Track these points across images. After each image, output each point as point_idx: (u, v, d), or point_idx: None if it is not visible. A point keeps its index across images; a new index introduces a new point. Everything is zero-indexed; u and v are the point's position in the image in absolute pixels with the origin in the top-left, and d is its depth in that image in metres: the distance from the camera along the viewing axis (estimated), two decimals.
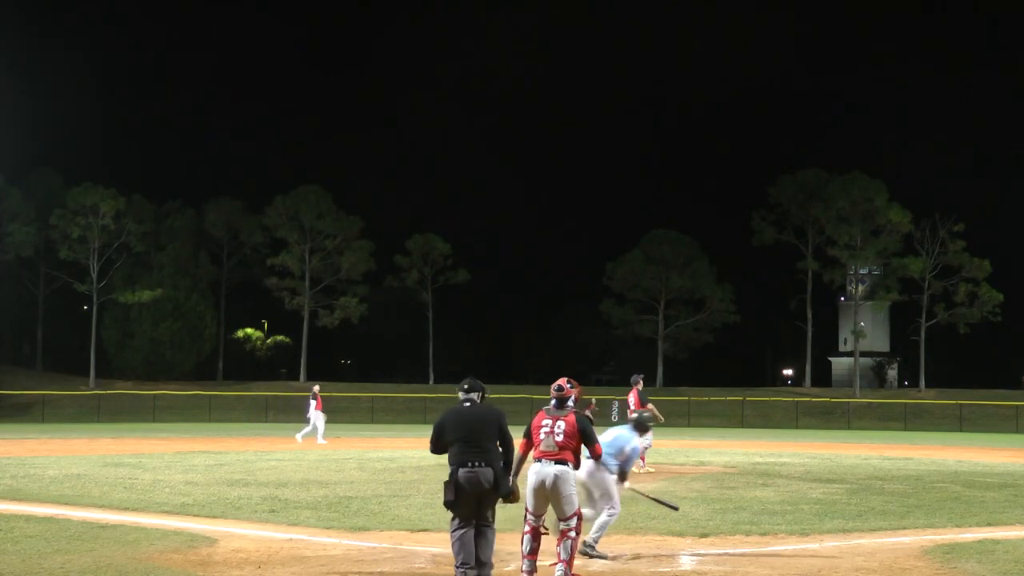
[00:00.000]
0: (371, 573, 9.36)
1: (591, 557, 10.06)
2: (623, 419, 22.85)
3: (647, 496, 11.75)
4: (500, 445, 8.56)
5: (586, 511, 10.37)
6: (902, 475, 19.74)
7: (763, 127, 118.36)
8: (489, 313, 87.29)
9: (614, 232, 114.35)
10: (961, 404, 56.61)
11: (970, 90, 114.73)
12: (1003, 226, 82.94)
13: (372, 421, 52.51)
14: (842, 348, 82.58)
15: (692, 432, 40.69)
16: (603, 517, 10.38)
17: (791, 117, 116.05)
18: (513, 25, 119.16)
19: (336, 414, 31.82)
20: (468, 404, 8.61)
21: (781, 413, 58.00)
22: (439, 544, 10.48)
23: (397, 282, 71.14)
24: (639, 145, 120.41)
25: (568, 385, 9.11)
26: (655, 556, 10.30)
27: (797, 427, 52.99)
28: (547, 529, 8.90)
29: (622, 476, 10.61)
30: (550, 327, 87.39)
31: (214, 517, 12.84)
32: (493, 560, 8.68)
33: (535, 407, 8.90)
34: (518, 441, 8.85)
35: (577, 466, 8.92)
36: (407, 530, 11.83)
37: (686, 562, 10.04)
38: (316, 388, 31.63)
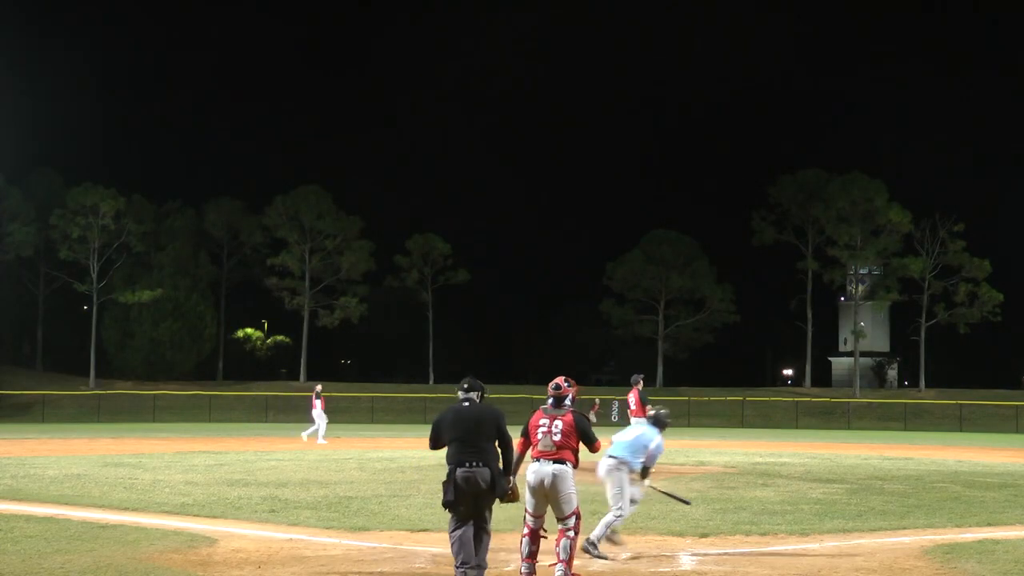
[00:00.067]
0: (371, 573, 9.36)
1: (592, 556, 10.06)
2: (623, 419, 22.84)
3: (661, 491, 11.77)
4: (499, 445, 8.56)
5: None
6: (902, 475, 19.74)
7: (763, 127, 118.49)
8: (489, 313, 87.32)
9: (614, 232, 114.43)
10: (961, 404, 56.62)
11: (970, 90, 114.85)
12: (1003, 226, 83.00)
13: (372, 421, 52.53)
14: (842, 348, 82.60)
15: (692, 432, 40.69)
16: (609, 516, 10.40)
17: (791, 117, 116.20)
18: (513, 25, 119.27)
19: (336, 414, 31.84)
20: (467, 403, 8.61)
21: (781, 413, 58.01)
22: (439, 544, 10.48)
23: (397, 282, 71.15)
24: (639, 145, 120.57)
25: (566, 384, 9.10)
26: (655, 556, 10.30)
27: (797, 427, 53.00)
28: (546, 532, 8.89)
29: (644, 473, 10.65)
30: (550, 327, 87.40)
31: (214, 517, 12.84)
32: (493, 560, 8.68)
33: (535, 407, 8.88)
34: (516, 441, 8.84)
35: (576, 465, 8.91)
36: (407, 530, 11.82)
37: (686, 562, 10.03)
38: (318, 388, 31.64)
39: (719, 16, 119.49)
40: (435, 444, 8.72)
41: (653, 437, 10.74)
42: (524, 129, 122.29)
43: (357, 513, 13.24)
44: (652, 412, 11.20)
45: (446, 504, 8.47)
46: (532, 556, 8.79)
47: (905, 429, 53.22)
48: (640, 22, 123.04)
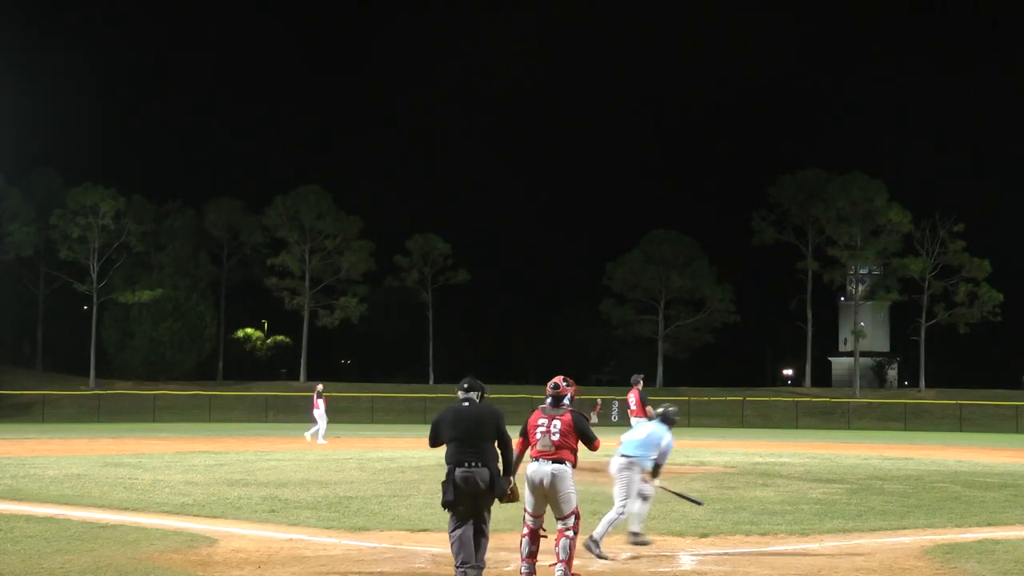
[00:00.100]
0: (371, 573, 9.36)
1: (594, 555, 10.06)
2: (623, 419, 22.84)
3: (672, 492, 11.80)
4: (498, 446, 8.56)
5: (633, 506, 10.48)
6: (902, 475, 19.74)
7: (763, 127, 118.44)
8: (489, 313, 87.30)
9: (614, 232, 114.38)
10: (961, 404, 56.61)
11: (970, 90, 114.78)
12: (1003, 226, 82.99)
13: (372, 421, 52.52)
14: (842, 348, 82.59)
15: (692, 432, 40.67)
16: (612, 514, 10.42)
17: (791, 117, 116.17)
18: (513, 25, 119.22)
19: (336, 414, 31.85)
20: (467, 403, 8.61)
21: (781, 413, 58.01)
22: (439, 544, 10.48)
23: (397, 282, 71.14)
24: (639, 145, 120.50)
25: (564, 383, 9.11)
26: (655, 556, 10.31)
27: (797, 427, 52.99)
28: (546, 531, 8.89)
29: (656, 471, 10.65)
30: (550, 327, 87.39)
31: (214, 517, 12.85)
32: (494, 559, 8.68)
33: (535, 407, 8.92)
34: (515, 440, 8.85)
35: (575, 465, 8.92)
36: (407, 530, 11.83)
37: (686, 562, 10.04)
38: (320, 387, 31.61)
39: (719, 16, 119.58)
40: (434, 443, 8.75)
41: (664, 435, 10.78)
42: (524, 129, 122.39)
43: (357, 513, 13.25)
44: (660, 410, 11.24)
45: (445, 504, 8.47)
46: (532, 556, 8.80)
47: (905, 429, 53.22)
48: (640, 22, 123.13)
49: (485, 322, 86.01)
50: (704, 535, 11.56)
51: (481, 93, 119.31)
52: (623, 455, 10.65)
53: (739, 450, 28.37)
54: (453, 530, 8.47)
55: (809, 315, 69.48)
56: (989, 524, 12.68)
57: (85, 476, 17.88)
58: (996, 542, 11.08)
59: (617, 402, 47.99)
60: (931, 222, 66.02)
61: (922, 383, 67.75)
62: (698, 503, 11.98)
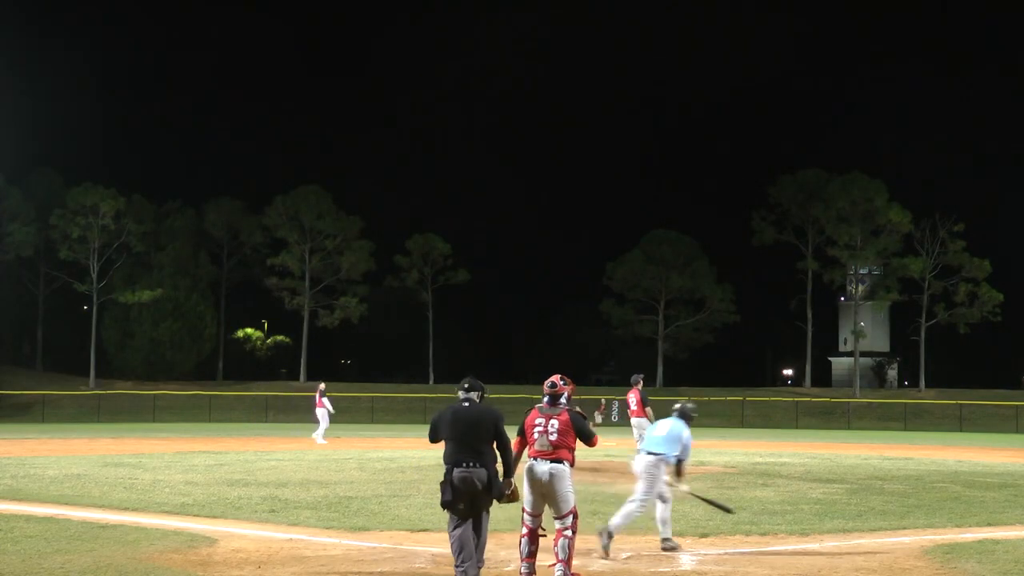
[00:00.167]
0: (371, 573, 9.36)
1: (602, 543, 10.14)
2: (624, 419, 22.85)
3: (702, 498, 11.80)
4: (497, 447, 8.57)
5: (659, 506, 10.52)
6: (902, 475, 19.74)
7: (763, 127, 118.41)
8: (489, 313, 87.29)
9: (614, 232, 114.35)
10: (961, 404, 56.61)
11: (970, 90, 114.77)
12: (1003, 226, 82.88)
13: (372, 421, 52.52)
14: (842, 348, 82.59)
15: (692, 432, 40.67)
16: (632, 507, 10.48)
17: (791, 117, 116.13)
18: (513, 25, 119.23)
19: (336, 414, 31.80)
20: (467, 404, 8.62)
21: (781, 413, 58.01)
22: (439, 544, 10.48)
23: (397, 282, 71.14)
24: (639, 145, 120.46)
25: (561, 382, 9.12)
26: (655, 556, 10.31)
27: (797, 427, 53.00)
28: (545, 531, 8.90)
29: (679, 470, 10.74)
30: (550, 327, 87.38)
31: (214, 517, 12.85)
32: (494, 559, 8.68)
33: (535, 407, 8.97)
34: (513, 440, 8.85)
35: (573, 463, 8.93)
36: (407, 530, 11.83)
37: (686, 562, 10.04)
38: (322, 386, 31.57)
39: (719, 16, 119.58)
40: (433, 439, 8.78)
41: (683, 428, 10.82)
42: (524, 129, 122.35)
43: (357, 513, 13.25)
44: (678, 406, 11.25)
45: (444, 504, 8.50)
46: (532, 556, 8.81)
47: (905, 429, 53.22)
48: (640, 22, 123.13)
49: (485, 322, 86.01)
50: (704, 535, 11.56)
51: (481, 93, 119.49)
52: (649, 452, 10.68)
53: (739, 450, 28.37)
54: (453, 529, 8.49)
55: (809, 315, 69.48)
56: (989, 524, 12.68)
57: (85, 476, 17.88)
58: (996, 542, 11.07)
59: (617, 402, 48.04)
60: (931, 222, 66.07)
61: (922, 383, 67.76)
62: (729, 511, 11.87)
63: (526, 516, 8.89)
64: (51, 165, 70.56)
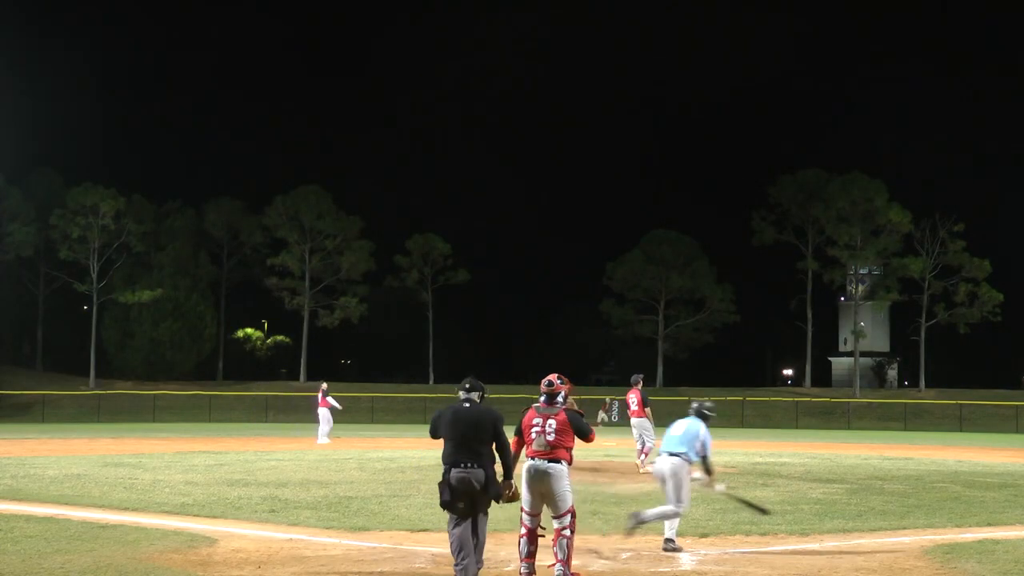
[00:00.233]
0: (371, 573, 9.36)
1: (629, 525, 10.33)
2: (624, 419, 22.86)
3: (737, 498, 11.80)
4: (496, 449, 8.58)
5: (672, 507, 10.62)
6: (902, 475, 19.74)
7: (763, 127, 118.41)
8: (489, 313, 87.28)
9: (614, 232, 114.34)
10: (961, 404, 56.61)
11: (970, 90, 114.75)
12: (1003, 226, 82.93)
13: (372, 421, 52.51)
14: (842, 348, 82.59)
15: None
16: (669, 509, 10.55)
17: (791, 117, 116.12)
18: (513, 25, 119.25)
19: (336, 414, 31.78)
20: (467, 404, 8.62)
21: (781, 413, 58.01)
22: (439, 544, 10.48)
23: (397, 282, 71.14)
24: (639, 145, 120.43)
25: (558, 381, 9.13)
26: (655, 556, 10.31)
27: (797, 427, 52.99)
28: (544, 530, 8.91)
29: (708, 468, 10.78)
30: (550, 327, 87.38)
31: (214, 517, 12.85)
32: (494, 559, 8.68)
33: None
34: (511, 440, 8.86)
35: (571, 462, 8.94)
36: (407, 530, 11.83)
37: (686, 562, 10.04)
38: (325, 386, 31.55)
39: (719, 16, 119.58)
40: (434, 436, 8.81)
41: (699, 427, 10.84)
42: (524, 129, 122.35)
43: (357, 513, 13.25)
44: (695, 404, 11.26)
45: (443, 504, 8.53)
46: (531, 556, 8.82)
47: (905, 429, 53.21)
48: (640, 22, 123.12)
49: (485, 322, 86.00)
50: (704, 535, 11.56)
51: (481, 93, 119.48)
52: (669, 453, 10.70)
53: (739, 450, 28.35)
54: (452, 528, 8.51)
55: (809, 315, 69.48)
56: (989, 524, 12.68)
57: (85, 476, 17.88)
58: (996, 542, 11.07)
59: (617, 402, 48.03)
60: (931, 222, 66.06)
61: (922, 383, 67.76)
62: (765, 512, 11.84)
63: (525, 516, 8.90)
64: (51, 165, 70.67)
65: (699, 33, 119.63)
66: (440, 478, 8.58)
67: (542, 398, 9.11)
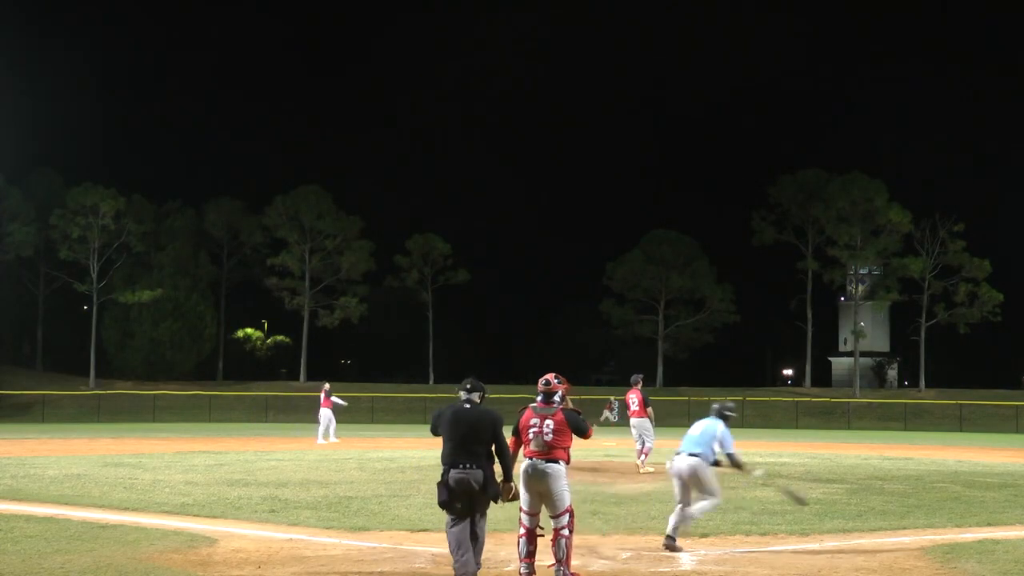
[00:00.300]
0: (371, 573, 9.36)
1: (671, 550, 10.42)
2: (624, 419, 22.85)
3: (778, 487, 11.85)
4: (495, 451, 8.59)
5: (700, 506, 10.71)
6: (902, 475, 19.74)
7: (763, 127, 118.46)
8: (489, 313, 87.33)
9: (614, 232, 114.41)
10: (961, 404, 56.60)
11: (970, 90, 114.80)
12: (1003, 226, 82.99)
13: (372, 421, 52.52)
14: (842, 348, 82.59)
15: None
16: (708, 504, 10.72)
17: (791, 117, 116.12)
18: (513, 25, 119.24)
19: (336, 414, 31.77)
20: (468, 405, 8.63)
21: (781, 413, 58.00)
22: (439, 544, 10.48)
23: (397, 282, 71.13)
24: (639, 145, 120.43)
25: (556, 380, 9.13)
26: (655, 556, 10.31)
27: (797, 427, 52.99)
28: (543, 530, 8.92)
29: (736, 463, 10.88)
30: (550, 327, 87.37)
31: (214, 517, 12.85)
32: (493, 559, 8.69)
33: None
34: (508, 440, 8.87)
35: (568, 462, 8.95)
36: (407, 530, 11.83)
37: (686, 562, 10.04)
38: (327, 386, 31.54)
39: (719, 16, 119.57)
40: (434, 433, 8.83)
41: (717, 426, 10.99)
42: (524, 129, 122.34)
43: (357, 513, 13.24)
44: (717, 405, 11.36)
45: (441, 504, 8.57)
46: (531, 556, 8.83)
47: (905, 429, 53.21)
48: (640, 22, 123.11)
49: (485, 322, 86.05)
50: (704, 535, 11.56)
51: (481, 93, 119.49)
52: (689, 454, 10.76)
53: (739, 450, 28.32)
54: (451, 527, 8.51)
55: (809, 315, 69.46)
56: (989, 524, 12.68)
57: (85, 476, 17.88)
58: (996, 542, 11.07)
59: (617, 402, 48.03)
60: (931, 222, 66.03)
61: (922, 383, 67.75)
62: (803, 503, 11.96)
63: (523, 516, 8.91)
64: (51, 165, 70.64)
65: (699, 33, 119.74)
66: (439, 478, 8.59)
67: (539, 397, 9.11)
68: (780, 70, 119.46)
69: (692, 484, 10.76)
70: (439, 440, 8.76)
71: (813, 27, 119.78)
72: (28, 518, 12.38)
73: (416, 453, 24.34)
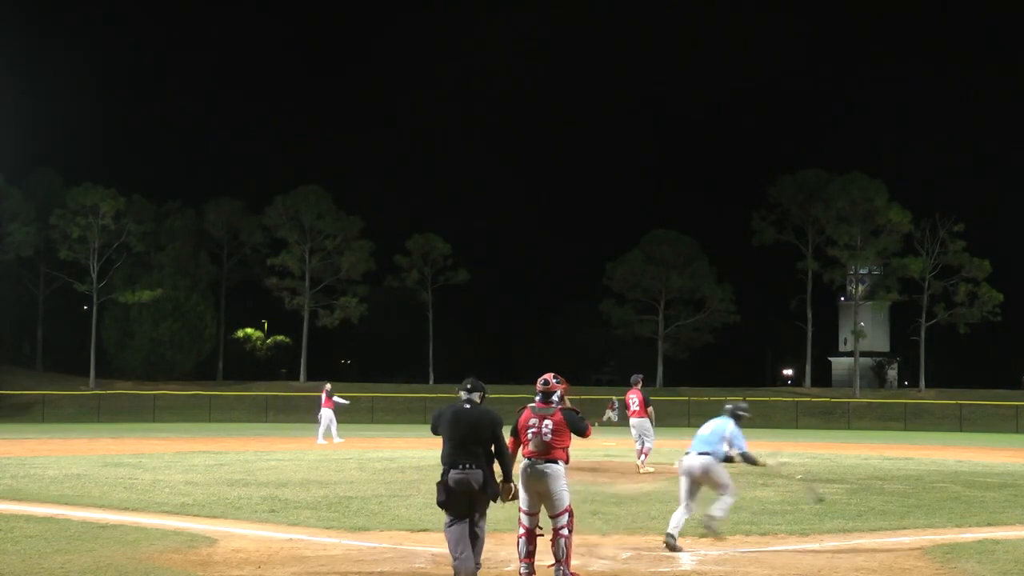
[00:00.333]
0: (371, 573, 9.36)
1: (712, 528, 10.70)
2: (623, 419, 22.87)
3: (803, 481, 11.96)
4: (494, 452, 8.59)
5: (720, 505, 10.82)
6: (902, 475, 19.73)
7: (763, 127, 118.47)
8: (489, 313, 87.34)
9: (614, 232, 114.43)
10: (961, 404, 56.60)
11: (970, 90, 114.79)
12: (1003, 226, 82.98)
13: (372, 421, 52.52)
14: (842, 348, 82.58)
15: (692, 432, 40.71)
16: (728, 499, 10.83)
17: (791, 117, 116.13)
18: (513, 25, 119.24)
19: (337, 413, 31.77)
20: (468, 405, 8.64)
21: (781, 413, 57.98)
22: (439, 544, 10.47)
23: (397, 282, 71.14)
24: (639, 145, 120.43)
25: (554, 380, 9.13)
26: (655, 556, 10.30)
27: (797, 427, 52.97)
28: (542, 529, 8.92)
29: (751, 460, 10.93)
30: (550, 327, 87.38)
31: (214, 517, 12.84)
32: (493, 559, 8.68)
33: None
34: (507, 440, 8.88)
35: (567, 462, 8.95)
36: (407, 530, 11.83)
37: (686, 562, 10.03)
38: (328, 386, 31.54)
39: (719, 16, 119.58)
40: (435, 432, 8.84)
41: (727, 425, 11.01)
42: (524, 129, 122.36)
43: (357, 513, 13.24)
44: (730, 406, 11.40)
45: (440, 504, 8.58)
46: (530, 556, 8.83)
47: (905, 429, 53.20)
48: (640, 22, 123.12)
49: (485, 322, 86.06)
50: (704, 535, 11.55)
51: (481, 93, 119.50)
52: (700, 453, 10.88)
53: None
54: (450, 525, 8.52)
55: (809, 315, 69.47)
56: (989, 524, 12.68)
57: (85, 476, 17.88)
58: (996, 542, 11.07)
59: (619, 402, 48.05)
60: (931, 222, 66.05)
61: (922, 383, 67.75)
62: (821, 500, 12.05)
63: (523, 516, 8.91)
64: (51, 165, 70.68)
65: (699, 33, 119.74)
66: (439, 478, 8.60)
67: (538, 397, 9.11)
68: (780, 70, 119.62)
69: (704, 482, 10.85)
70: (439, 440, 8.76)
71: (813, 27, 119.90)
72: (28, 518, 12.38)
73: (416, 453, 24.34)
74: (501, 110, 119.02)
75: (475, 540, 8.52)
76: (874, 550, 10.71)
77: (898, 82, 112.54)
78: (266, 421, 52.11)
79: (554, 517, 8.82)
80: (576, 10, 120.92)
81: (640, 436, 19.89)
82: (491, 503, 8.62)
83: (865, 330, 72.94)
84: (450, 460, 8.50)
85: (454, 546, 8.46)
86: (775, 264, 72.29)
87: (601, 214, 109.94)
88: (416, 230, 71.71)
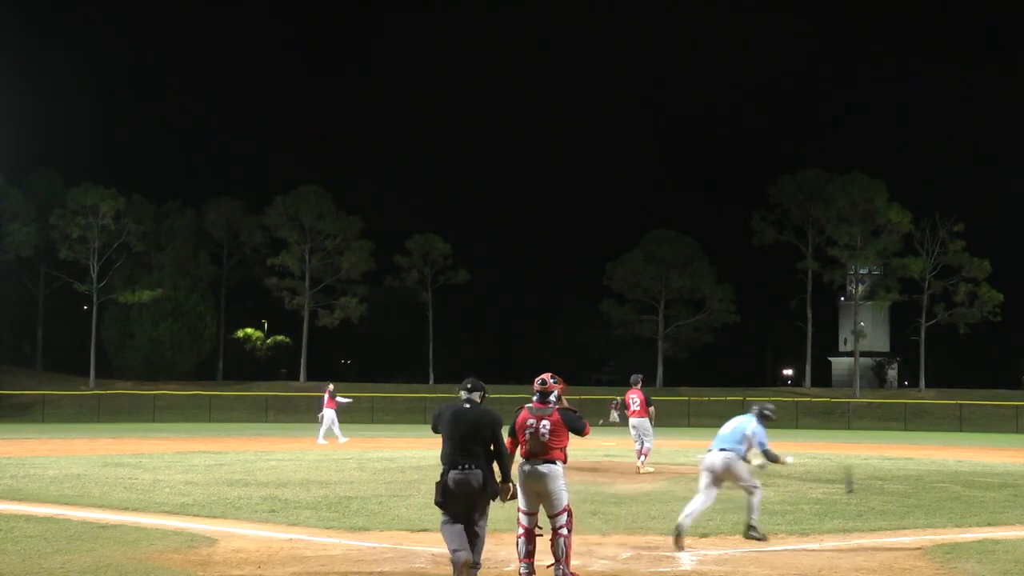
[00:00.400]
0: (371, 573, 9.36)
1: (755, 537, 10.76)
2: (623, 420, 22.86)
3: (844, 467, 12.06)
4: (494, 452, 8.58)
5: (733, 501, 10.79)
6: (902, 475, 19.73)
7: (763, 127, 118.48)
8: (489, 313, 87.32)
9: (614, 232, 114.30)
10: (961, 404, 56.60)
11: (970, 90, 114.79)
12: (1003, 226, 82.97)
13: (372, 421, 52.52)
14: (842, 348, 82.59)
15: (692, 432, 40.68)
16: (753, 499, 10.94)
17: (791, 117, 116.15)
18: (513, 25, 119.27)
19: (339, 413, 31.76)
20: (468, 405, 8.63)
21: (781, 413, 57.50)
22: (439, 544, 10.46)
23: (397, 282, 71.16)
24: (639, 145, 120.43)
25: (552, 380, 9.12)
26: (655, 556, 10.30)
27: (797, 427, 52.94)
28: (541, 529, 8.92)
29: (772, 457, 11.20)
30: (550, 327, 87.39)
31: (214, 517, 12.84)
32: (493, 560, 8.68)
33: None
34: (505, 440, 8.88)
35: (566, 461, 8.95)
36: (407, 530, 11.83)
37: (686, 562, 10.03)
38: (331, 387, 31.53)
39: (719, 16, 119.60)
40: (435, 431, 8.84)
41: (748, 423, 11.17)
42: (524, 129, 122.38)
43: (357, 513, 13.24)
44: (756, 407, 11.50)
45: (438, 504, 8.57)
46: (530, 555, 8.83)
47: (905, 429, 53.21)
48: (640, 22, 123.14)
49: (485, 322, 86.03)
50: (704, 535, 11.56)
51: (481, 93, 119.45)
52: (721, 449, 11.01)
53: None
54: (445, 523, 8.53)
55: (809, 315, 69.49)
56: (989, 524, 12.68)
57: (85, 476, 17.88)
58: (996, 542, 11.07)
59: (619, 402, 48.06)
60: (931, 222, 66.09)
61: (922, 383, 67.76)
62: (851, 491, 12.60)
63: (522, 516, 8.91)
64: (51, 165, 70.70)
65: (699, 33, 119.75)
66: (439, 478, 8.59)
67: (535, 397, 9.10)
68: (780, 70, 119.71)
69: (726, 478, 10.99)
70: (439, 440, 8.76)
71: (813, 27, 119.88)
72: (28, 518, 12.37)
73: (416, 453, 24.34)
74: (501, 110, 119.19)
75: (475, 540, 8.52)
76: (874, 550, 10.71)
77: (898, 82, 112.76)
78: (266, 421, 52.11)
79: (553, 517, 8.81)
80: (576, 10, 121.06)
81: (640, 436, 19.89)
82: (491, 503, 8.62)
83: (865, 330, 72.96)
84: (450, 460, 8.50)
85: (449, 541, 8.47)
86: (775, 264, 72.39)
87: (601, 214, 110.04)
88: (416, 230, 71.81)
